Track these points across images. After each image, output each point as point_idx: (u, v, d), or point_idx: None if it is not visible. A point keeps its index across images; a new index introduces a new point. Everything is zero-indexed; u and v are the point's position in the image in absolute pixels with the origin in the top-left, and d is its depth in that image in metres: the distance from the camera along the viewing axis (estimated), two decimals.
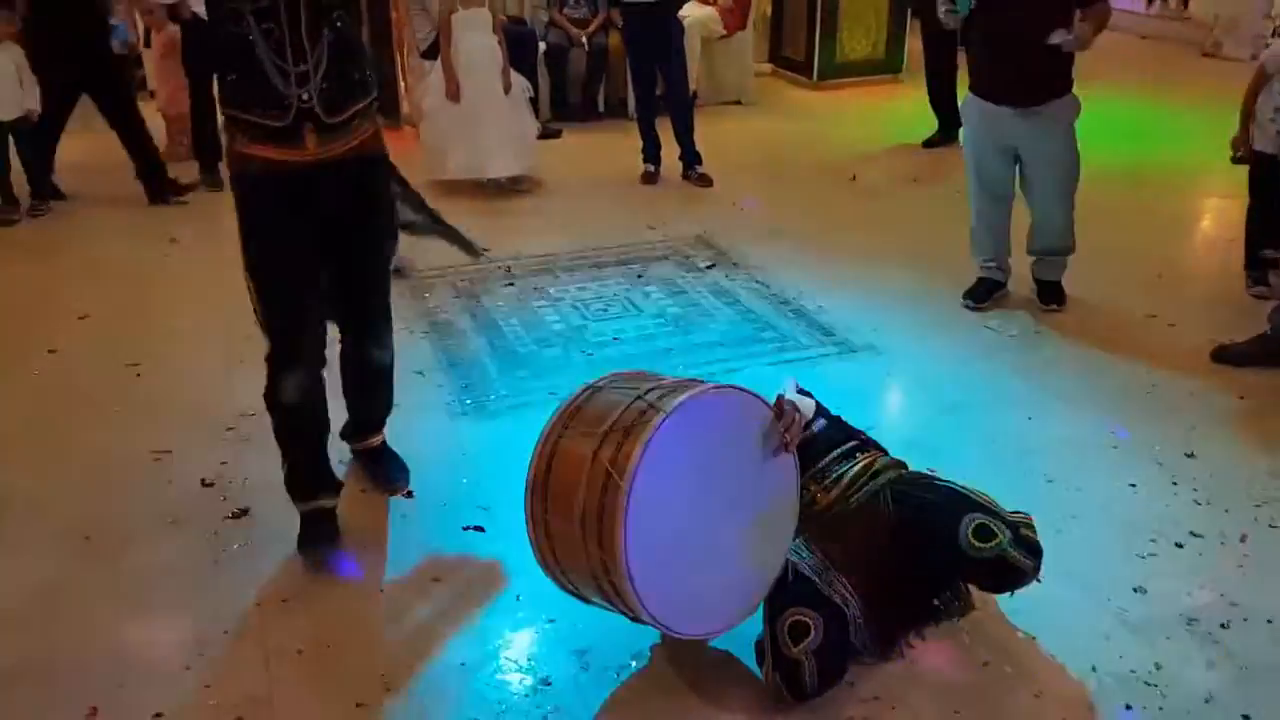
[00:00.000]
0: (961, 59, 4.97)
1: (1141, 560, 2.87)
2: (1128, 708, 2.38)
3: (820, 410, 2.76)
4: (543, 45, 7.57)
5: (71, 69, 5.70)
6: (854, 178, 6.37)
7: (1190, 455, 3.36)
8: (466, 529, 3.05)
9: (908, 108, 7.57)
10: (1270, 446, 3.41)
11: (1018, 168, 4.29)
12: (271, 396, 2.83)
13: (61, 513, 3.17)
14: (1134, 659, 2.51)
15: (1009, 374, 3.94)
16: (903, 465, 2.72)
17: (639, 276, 4.92)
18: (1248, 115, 4.41)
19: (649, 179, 6.36)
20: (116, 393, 3.90)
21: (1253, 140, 4.41)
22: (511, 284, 4.84)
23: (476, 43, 6.01)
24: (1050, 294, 4.45)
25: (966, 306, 4.47)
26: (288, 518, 2.96)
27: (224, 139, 2.83)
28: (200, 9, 5.62)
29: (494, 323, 4.46)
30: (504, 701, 2.43)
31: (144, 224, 5.71)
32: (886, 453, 2.76)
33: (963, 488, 2.57)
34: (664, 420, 2.21)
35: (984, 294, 4.48)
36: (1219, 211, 5.69)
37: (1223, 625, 2.61)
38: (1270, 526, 3.02)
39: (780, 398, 2.48)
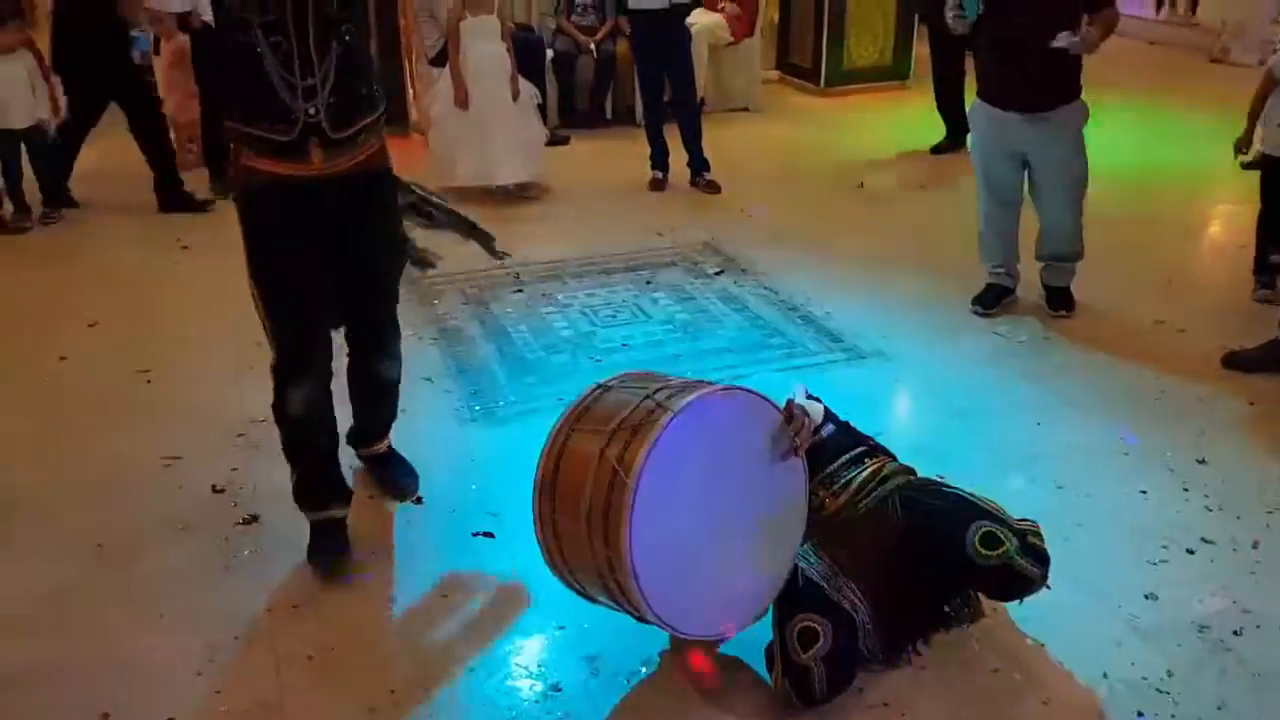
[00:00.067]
0: (969, 64, 4.98)
1: (1152, 567, 2.86)
2: (1139, 715, 2.37)
3: (829, 416, 2.76)
4: (550, 52, 7.59)
5: (98, 79, 5.73)
6: (862, 184, 6.37)
7: (1201, 461, 3.35)
8: (476, 535, 3.06)
9: (915, 114, 7.57)
10: None
11: (1026, 173, 4.29)
12: (278, 409, 2.82)
13: (72, 519, 3.18)
14: (1145, 666, 2.50)
15: (1018, 380, 3.94)
16: (911, 471, 2.72)
17: (647, 283, 4.92)
18: (1254, 119, 4.41)
19: (657, 185, 6.37)
20: (127, 399, 3.91)
21: (1262, 145, 4.41)
22: (520, 290, 4.85)
23: (485, 50, 6.03)
24: (1059, 300, 4.45)
25: (975, 312, 4.46)
26: (298, 523, 2.96)
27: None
28: (210, 17, 5.67)
29: (503, 329, 4.46)
30: (514, 708, 2.43)
31: (155, 231, 5.73)
32: (895, 458, 2.76)
33: (970, 495, 2.57)
34: (672, 419, 2.22)
35: (993, 300, 4.47)
36: (1229, 217, 5.67)
37: (1235, 632, 2.61)
38: None
39: (790, 402, 2.49)
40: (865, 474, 2.64)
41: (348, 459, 3.19)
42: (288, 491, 2.96)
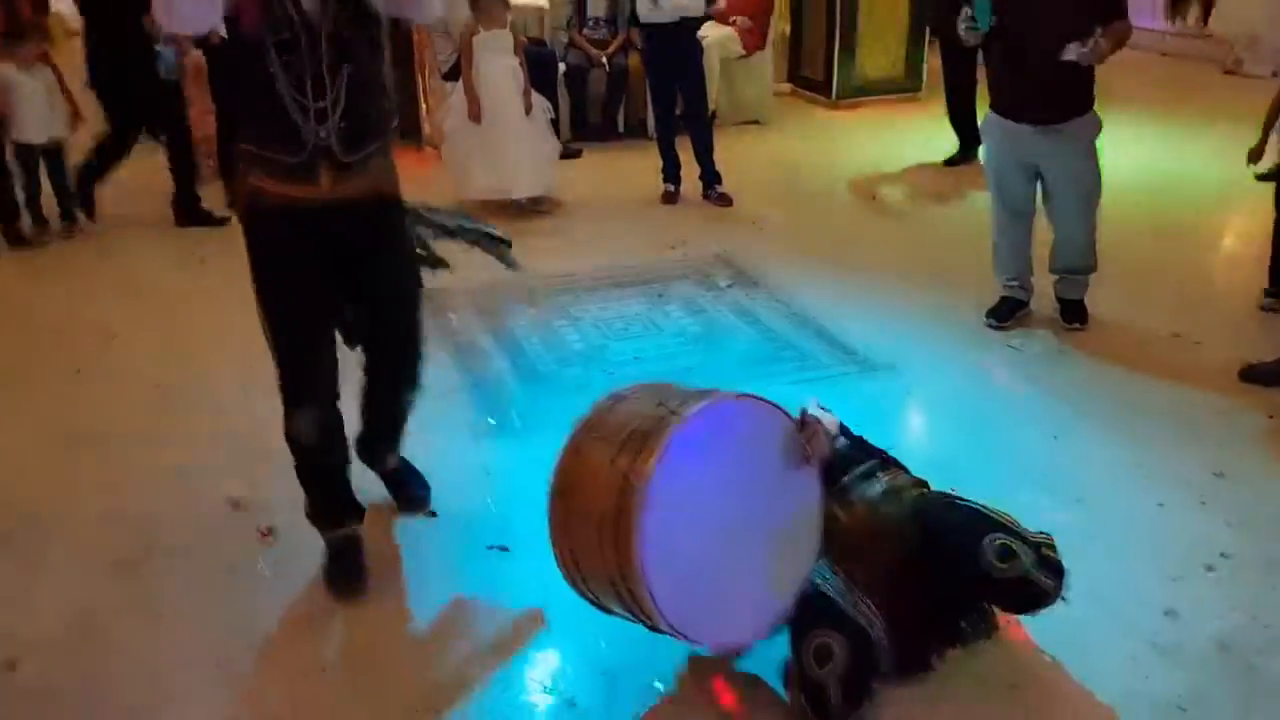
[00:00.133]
0: (981, 76, 4.97)
1: (1171, 583, 2.84)
2: None
3: (842, 429, 2.75)
4: (563, 66, 7.61)
5: (131, 95, 5.76)
6: (875, 196, 6.37)
7: (1219, 475, 3.32)
8: (491, 549, 3.05)
9: (927, 126, 7.57)
10: None
11: (1039, 185, 4.27)
12: (287, 432, 2.80)
13: (90, 534, 3.19)
14: (1165, 684, 2.48)
15: (1032, 393, 3.92)
16: (925, 484, 2.71)
17: (660, 296, 4.92)
18: (1269, 130, 4.39)
19: (669, 198, 6.38)
20: (144, 412, 3.93)
21: (1278, 156, 4.39)
22: (533, 303, 4.85)
23: (497, 64, 6.05)
24: (1073, 312, 4.43)
25: (989, 325, 4.44)
26: (314, 536, 2.97)
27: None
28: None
29: (516, 342, 4.47)
30: None
31: (172, 245, 5.76)
32: (908, 472, 2.75)
33: (984, 507, 2.56)
34: (682, 425, 2.22)
35: (1006, 313, 4.46)
36: (1244, 229, 5.65)
37: (1256, 650, 2.58)
38: None
39: (804, 411, 2.48)
40: (879, 488, 2.63)
41: (359, 467, 3.18)
42: (303, 505, 2.96)
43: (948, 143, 6.97)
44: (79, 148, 6.03)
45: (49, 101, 5.69)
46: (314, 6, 2.51)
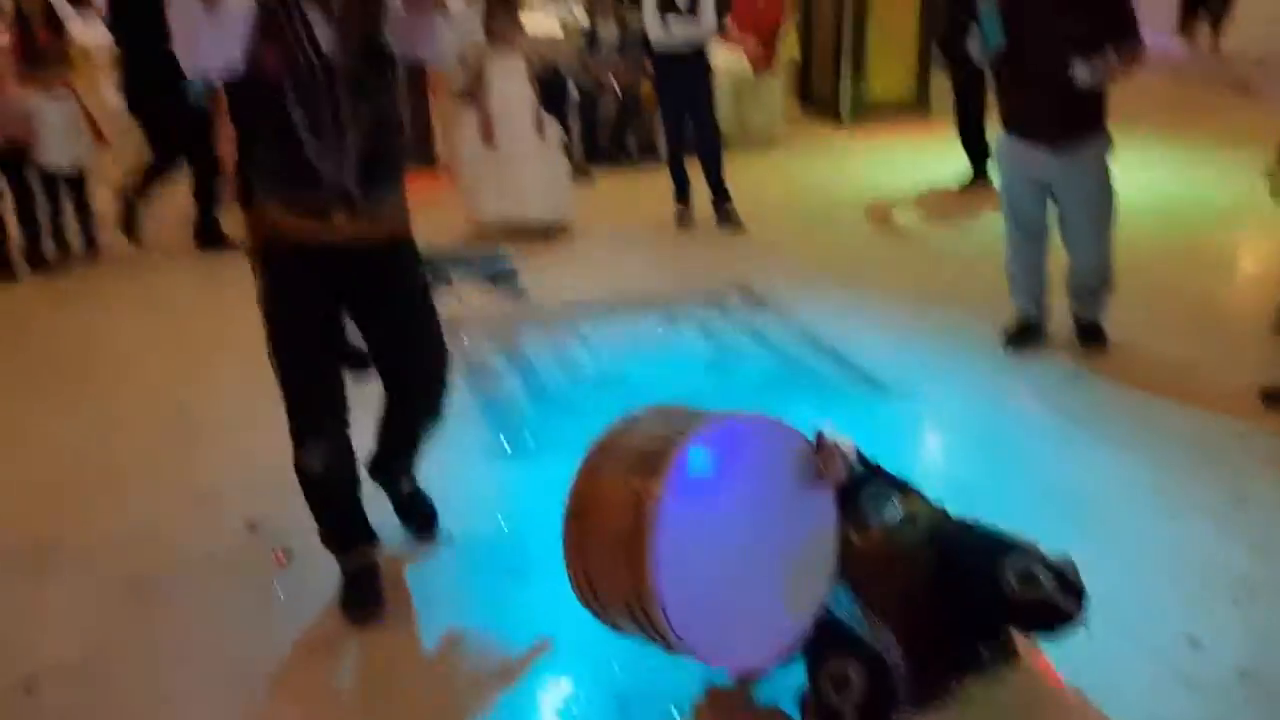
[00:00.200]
0: (991, 97, 4.96)
1: (1193, 610, 2.80)
2: None
3: (857, 453, 2.73)
4: (575, 91, 7.65)
5: (167, 121, 5.80)
6: (887, 218, 6.36)
7: (1242, 500, 3.29)
8: (505, 572, 3.04)
9: (938, 147, 7.57)
10: None
11: (1054, 206, 4.26)
12: (298, 465, 2.79)
13: (109, 559, 3.19)
14: (1187, 711, 2.45)
15: (1049, 417, 3.89)
16: (943, 511, 2.68)
17: (672, 319, 4.91)
18: None
19: (681, 218, 6.39)
20: (164, 436, 3.94)
21: None
22: (545, 326, 4.85)
23: (510, 89, 6.08)
24: (1090, 334, 4.40)
25: (1005, 348, 4.42)
26: (329, 559, 2.96)
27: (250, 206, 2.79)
28: None
29: (529, 365, 4.46)
30: None
31: (192, 270, 5.80)
32: (925, 497, 2.73)
33: (1003, 532, 2.53)
34: (696, 445, 2.21)
35: (1022, 335, 4.43)
36: (1262, 251, 5.63)
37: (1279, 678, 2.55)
38: None
39: (820, 433, 2.47)
40: (896, 513, 2.61)
41: (369, 489, 3.17)
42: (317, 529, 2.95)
43: (958, 163, 6.97)
44: (101, 173, 6.07)
45: (72, 127, 5.74)
46: (332, 49, 2.53)
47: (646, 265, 5.67)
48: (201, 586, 3.04)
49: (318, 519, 2.90)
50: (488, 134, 6.05)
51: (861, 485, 2.67)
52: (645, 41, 6.45)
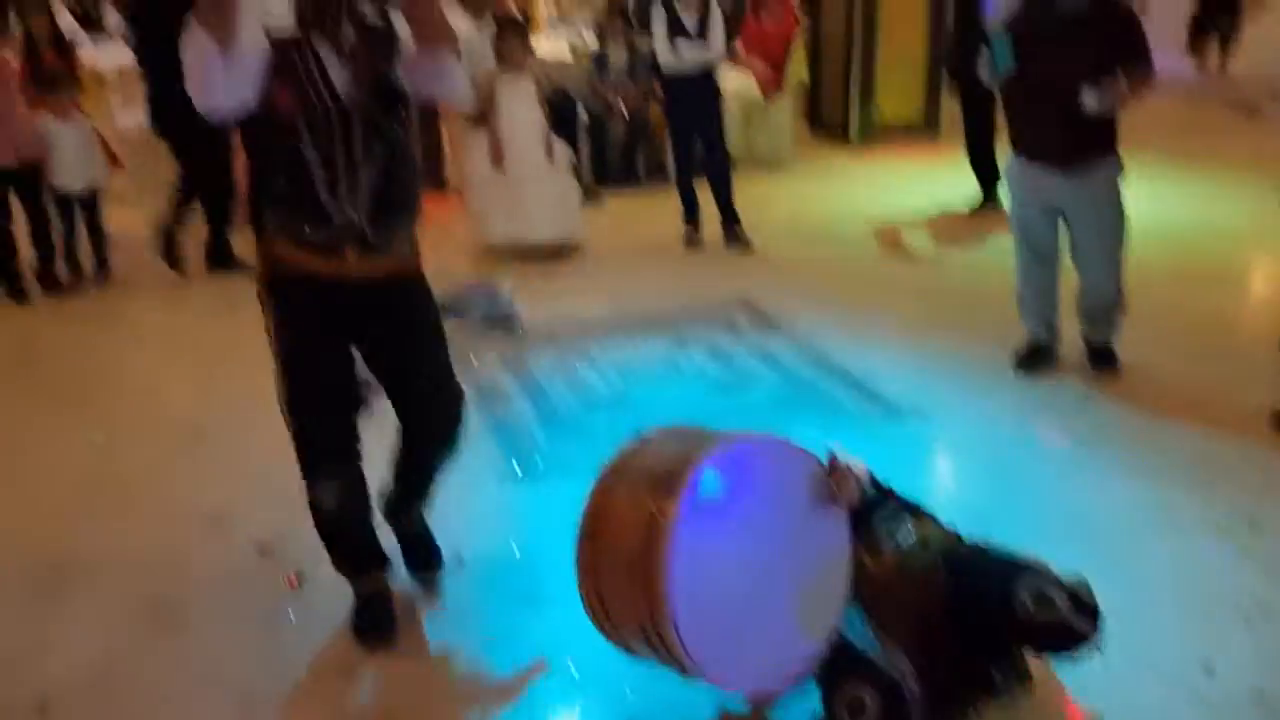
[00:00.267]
0: (1001, 119, 4.97)
1: (1208, 634, 2.79)
2: None
3: (870, 476, 2.73)
4: (584, 113, 7.69)
5: (192, 137, 5.79)
6: (896, 240, 6.37)
7: (1254, 522, 3.27)
8: (516, 595, 3.03)
9: (947, 169, 7.59)
10: None
11: (1065, 229, 4.25)
12: (310, 500, 2.79)
13: (121, 581, 3.20)
14: None
15: (1061, 439, 3.88)
16: (956, 535, 2.68)
17: (681, 340, 4.92)
18: None
19: (690, 240, 6.41)
20: (176, 458, 3.96)
21: None
22: (555, 347, 4.86)
23: (520, 111, 6.13)
24: (1101, 357, 4.39)
25: (1016, 370, 4.41)
26: (342, 582, 2.96)
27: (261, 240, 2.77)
28: None
29: (539, 387, 4.47)
30: None
31: (203, 292, 5.83)
32: (937, 520, 2.72)
33: (1016, 553, 2.52)
34: (710, 466, 2.21)
35: (1033, 358, 4.43)
36: (1273, 272, 5.62)
37: None
38: None
39: (832, 454, 2.47)
40: (908, 536, 2.60)
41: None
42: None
43: (968, 186, 6.98)
44: (116, 195, 6.11)
45: (86, 149, 5.79)
46: (346, 87, 2.53)
47: (656, 287, 5.68)
48: (213, 608, 3.05)
49: (330, 549, 2.90)
50: (497, 156, 6.08)
51: (874, 508, 2.66)
52: (654, 64, 6.49)
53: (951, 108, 7.82)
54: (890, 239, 6.42)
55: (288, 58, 2.50)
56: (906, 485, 2.86)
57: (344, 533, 2.87)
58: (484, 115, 6.17)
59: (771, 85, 8.13)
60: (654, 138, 7.80)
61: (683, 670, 2.30)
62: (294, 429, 2.71)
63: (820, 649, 2.40)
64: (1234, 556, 3.12)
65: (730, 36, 7.01)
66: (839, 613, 2.44)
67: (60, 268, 5.92)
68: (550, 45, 8.55)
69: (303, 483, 2.77)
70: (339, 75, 2.53)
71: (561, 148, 6.36)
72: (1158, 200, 6.53)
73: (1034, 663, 2.53)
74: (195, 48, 2.34)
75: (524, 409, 4.27)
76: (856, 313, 5.20)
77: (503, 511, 3.49)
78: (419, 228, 2.79)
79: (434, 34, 2.51)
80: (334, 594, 2.97)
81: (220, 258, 6.10)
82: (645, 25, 6.92)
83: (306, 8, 2.52)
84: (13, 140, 5.55)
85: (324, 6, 2.51)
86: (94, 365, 4.89)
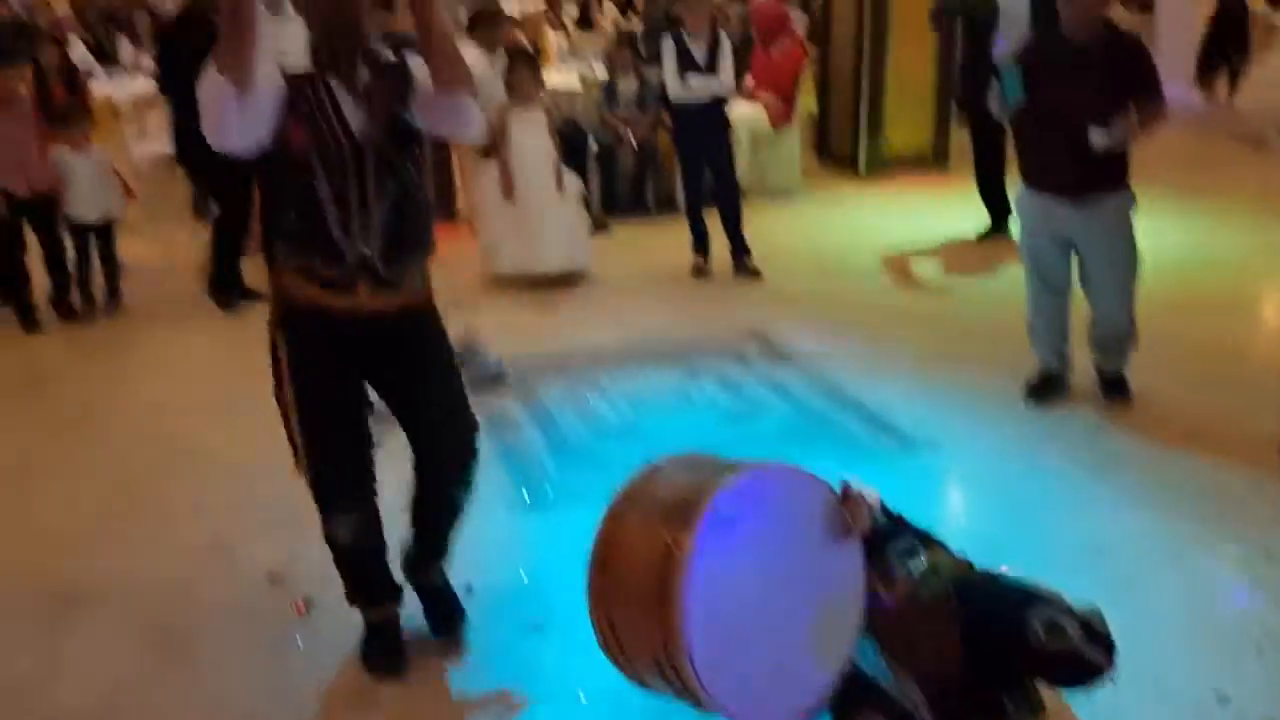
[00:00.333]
0: (1011, 151, 4.98)
1: (1221, 664, 2.77)
2: None
3: (882, 506, 2.72)
4: (594, 144, 7.73)
5: (216, 169, 5.85)
6: (905, 270, 6.37)
7: (1267, 552, 3.25)
8: (526, 625, 3.02)
9: (957, 200, 7.59)
10: None
11: (1075, 259, 4.25)
12: (325, 534, 2.79)
13: (130, 610, 3.20)
14: None
15: (1072, 469, 3.87)
16: (968, 564, 2.66)
17: (691, 370, 4.92)
18: None
19: (699, 271, 6.42)
20: (185, 486, 3.97)
21: None
22: (565, 377, 4.87)
23: (530, 142, 6.17)
24: (1114, 386, 4.38)
25: (1027, 400, 4.40)
26: (350, 609, 2.95)
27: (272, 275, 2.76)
28: None
29: (549, 416, 4.47)
30: None
31: (214, 320, 5.84)
32: (948, 549, 2.71)
33: (1028, 583, 2.51)
34: (725, 495, 2.20)
35: (1045, 388, 4.41)
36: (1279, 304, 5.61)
37: None
38: None
39: (845, 483, 2.46)
40: (920, 566, 2.59)
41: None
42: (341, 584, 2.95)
43: (977, 217, 6.98)
44: (127, 224, 6.15)
45: (101, 180, 5.84)
46: (360, 126, 2.55)
47: (665, 317, 5.69)
48: (221, 637, 3.04)
49: (343, 577, 2.89)
50: (508, 187, 6.12)
51: (885, 537, 2.65)
52: (663, 94, 6.53)
53: (961, 139, 7.85)
54: (900, 269, 6.42)
55: (302, 95, 2.52)
56: (918, 515, 2.84)
57: (359, 566, 2.87)
58: (495, 146, 6.22)
59: (781, 117, 8.17)
60: (663, 168, 7.84)
61: (697, 704, 2.29)
62: (308, 463, 2.70)
63: (835, 680, 2.39)
64: (1246, 587, 3.10)
65: (740, 70, 7.05)
66: (853, 642, 2.43)
67: (74, 297, 5.96)
68: (561, 77, 8.62)
69: (311, 497, 2.76)
70: (353, 113, 2.55)
71: (571, 178, 6.40)
72: (1166, 233, 6.51)
73: (1046, 693, 2.51)
74: (212, 88, 2.36)
75: (534, 437, 4.28)
76: (867, 343, 5.20)
77: (512, 540, 3.48)
78: (431, 261, 2.80)
79: (451, 74, 2.52)
80: (342, 620, 2.96)
81: (223, 288, 6.10)
82: (655, 57, 6.97)
83: (322, 47, 2.54)
84: (26, 171, 5.61)
85: (339, 46, 2.53)
86: (104, 394, 4.91)
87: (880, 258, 6.65)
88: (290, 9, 3.49)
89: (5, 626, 3.16)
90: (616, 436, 4.25)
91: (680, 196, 6.88)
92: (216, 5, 2.41)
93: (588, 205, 6.84)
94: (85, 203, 5.80)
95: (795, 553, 2.33)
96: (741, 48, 7.63)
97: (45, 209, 5.75)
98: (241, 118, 2.39)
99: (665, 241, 6.92)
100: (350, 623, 2.94)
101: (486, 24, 7.24)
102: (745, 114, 7.78)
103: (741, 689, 2.25)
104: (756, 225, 6.60)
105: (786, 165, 8.38)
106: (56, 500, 3.93)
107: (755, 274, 6.30)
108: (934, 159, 8.83)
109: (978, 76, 5.90)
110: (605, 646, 2.43)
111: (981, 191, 6.96)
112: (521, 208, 6.12)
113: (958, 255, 6.70)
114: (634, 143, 7.70)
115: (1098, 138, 3.90)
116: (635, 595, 2.24)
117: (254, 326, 5.55)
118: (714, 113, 6.21)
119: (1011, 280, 4.86)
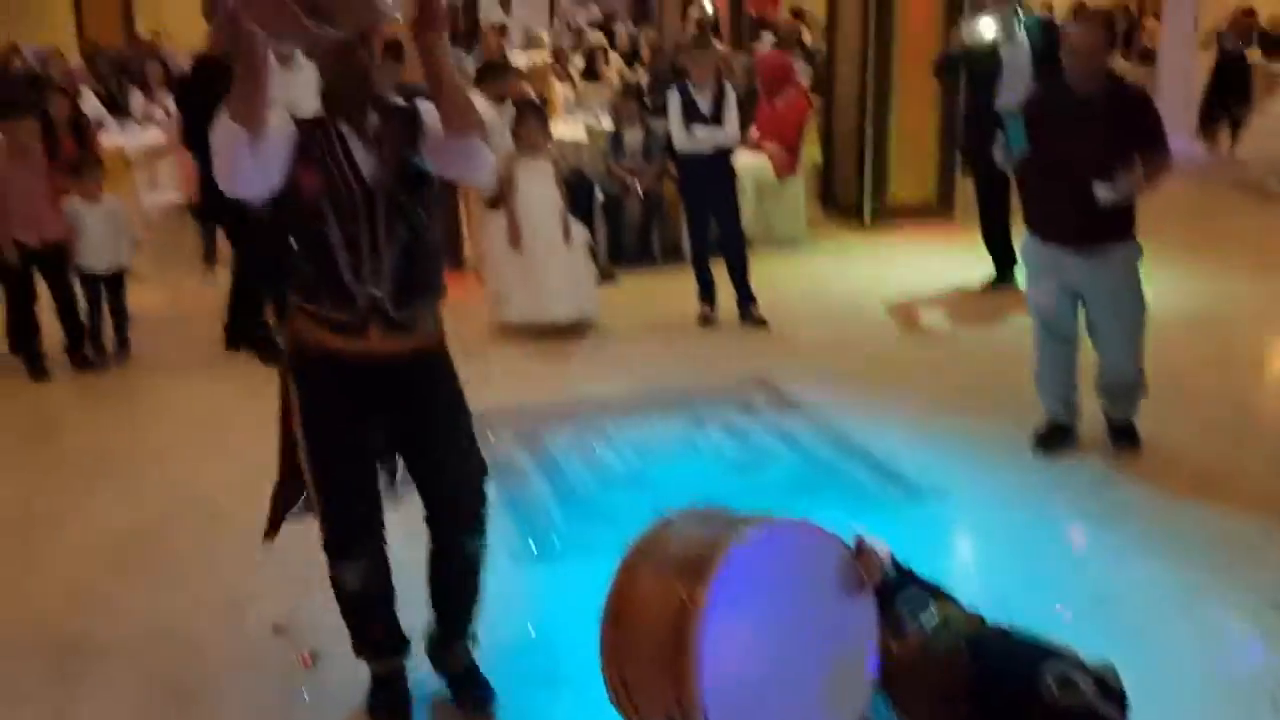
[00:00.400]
0: (1016, 200, 5.01)
1: (1234, 716, 2.74)
2: None
3: (892, 559, 2.71)
4: (600, 194, 7.79)
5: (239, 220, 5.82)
6: (912, 319, 6.39)
7: (1278, 607, 3.23)
8: (534, 679, 3.00)
9: (962, 249, 7.62)
10: None
11: (1082, 309, 4.25)
12: (333, 580, 2.78)
13: (137, 659, 3.19)
14: None
15: (1081, 520, 3.85)
16: (978, 615, 2.64)
17: (698, 419, 4.92)
18: None
19: (706, 320, 6.44)
20: (191, 536, 3.96)
21: None
22: (572, 426, 4.86)
23: (538, 191, 6.22)
24: (1123, 435, 4.36)
25: (1035, 450, 4.39)
26: (356, 661, 2.93)
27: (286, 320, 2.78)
28: None
29: (555, 465, 4.46)
30: None
31: (224, 369, 5.85)
32: (959, 602, 2.69)
33: (1040, 637, 2.49)
34: (740, 551, 2.19)
35: (1053, 438, 4.40)
36: None
37: None
38: None
39: (859, 537, 2.45)
40: (931, 618, 2.57)
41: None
42: (347, 632, 2.93)
43: (984, 265, 7.00)
44: (135, 273, 6.19)
45: (113, 230, 5.89)
46: (371, 171, 2.57)
47: (672, 366, 5.70)
48: (229, 690, 3.02)
49: (350, 628, 2.88)
50: (515, 237, 6.16)
51: (896, 590, 2.64)
52: (669, 144, 6.59)
53: (966, 189, 7.89)
54: (906, 318, 6.44)
55: (313, 140, 2.55)
56: (925, 564, 2.83)
57: (366, 614, 2.85)
58: (502, 196, 6.27)
59: (786, 168, 8.23)
60: (669, 218, 7.89)
61: None
62: (319, 508, 2.70)
63: None
64: (1258, 638, 3.07)
65: (745, 120, 7.12)
66: (867, 696, 2.41)
67: (87, 346, 5.98)
68: (567, 128, 8.70)
69: (319, 545, 2.75)
70: (364, 158, 2.57)
71: (578, 228, 6.44)
72: (1170, 282, 6.53)
73: None
74: (224, 134, 2.39)
75: (540, 487, 4.27)
76: (873, 392, 5.20)
77: (518, 591, 3.46)
78: (442, 305, 2.82)
79: (462, 120, 2.55)
80: (348, 672, 2.94)
81: (239, 337, 6.12)
82: (660, 108, 7.04)
83: (332, 93, 2.58)
84: (36, 221, 5.66)
85: (349, 92, 2.56)
86: (112, 444, 4.91)
87: (886, 307, 6.67)
88: (301, 59, 3.53)
89: (11, 677, 3.14)
90: (623, 486, 4.24)
91: (686, 246, 6.91)
92: (231, 54, 2.45)
93: (594, 255, 6.87)
94: (96, 253, 5.85)
95: (808, 607, 2.32)
96: (746, 99, 7.70)
97: (56, 259, 5.79)
98: (254, 163, 2.42)
99: (671, 291, 6.95)
100: (357, 676, 2.91)
101: (494, 76, 7.34)
102: (750, 164, 7.83)
103: None
104: (762, 275, 6.62)
105: (792, 215, 8.42)
106: (63, 552, 3.91)
107: (761, 323, 6.32)
108: (939, 208, 8.87)
109: (982, 126, 5.96)
110: (617, 702, 2.41)
111: (987, 241, 6.97)
112: (529, 257, 6.16)
113: (964, 305, 6.71)
114: (640, 193, 7.76)
115: (1103, 192, 3.91)
116: (649, 649, 2.23)
117: (261, 374, 5.61)
118: (719, 163, 6.26)
119: (1018, 330, 4.87)
